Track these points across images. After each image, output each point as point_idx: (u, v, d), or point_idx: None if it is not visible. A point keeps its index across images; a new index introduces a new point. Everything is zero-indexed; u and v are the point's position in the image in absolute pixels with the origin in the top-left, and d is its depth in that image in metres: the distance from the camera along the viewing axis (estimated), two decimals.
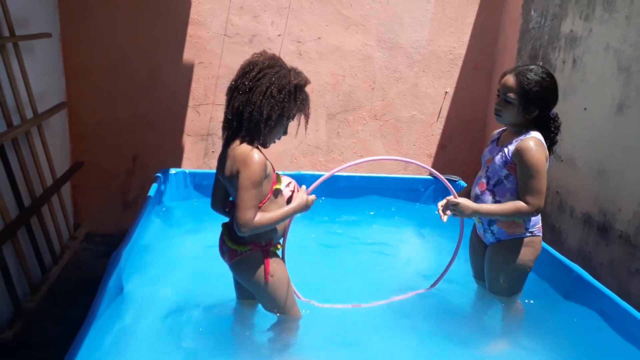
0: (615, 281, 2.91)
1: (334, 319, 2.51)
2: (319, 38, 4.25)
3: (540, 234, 2.55)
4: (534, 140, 2.36)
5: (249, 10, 4.13)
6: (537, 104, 2.37)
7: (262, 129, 2.06)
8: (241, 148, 2.05)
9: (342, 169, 2.27)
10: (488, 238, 2.58)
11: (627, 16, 2.90)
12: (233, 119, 2.07)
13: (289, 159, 4.43)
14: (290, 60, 2.32)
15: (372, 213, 4.04)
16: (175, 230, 3.56)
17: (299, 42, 4.24)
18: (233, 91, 2.08)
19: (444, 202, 2.42)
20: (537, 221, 2.52)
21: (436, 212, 2.44)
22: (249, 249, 2.17)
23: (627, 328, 2.29)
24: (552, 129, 2.45)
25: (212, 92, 4.22)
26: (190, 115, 4.25)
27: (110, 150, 4.18)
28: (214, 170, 2.27)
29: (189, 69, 4.16)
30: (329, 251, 3.46)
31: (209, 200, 2.34)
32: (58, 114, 3.71)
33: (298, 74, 2.11)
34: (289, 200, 2.23)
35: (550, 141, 2.46)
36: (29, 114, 3.21)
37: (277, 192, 2.17)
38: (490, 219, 2.51)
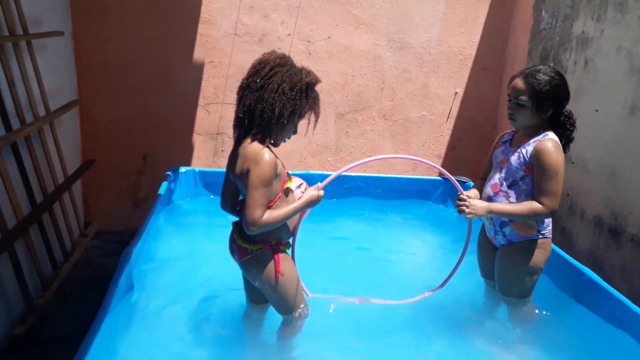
0: (627, 284, 2.88)
1: (343, 318, 2.51)
2: (329, 37, 4.25)
3: (551, 236, 2.54)
4: (552, 141, 2.35)
5: (259, 10, 4.14)
6: (550, 103, 2.36)
7: (274, 127, 2.07)
8: (252, 146, 2.06)
9: (356, 166, 2.28)
10: (499, 240, 2.57)
11: None
12: (244, 117, 2.08)
13: (297, 159, 4.44)
14: (299, 60, 2.33)
15: (380, 214, 4.03)
16: (185, 229, 3.58)
17: (308, 41, 4.24)
18: (244, 89, 2.09)
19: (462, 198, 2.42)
20: (548, 223, 2.51)
21: (453, 209, 2.44)
22: (259, 248, 2.18)
23: (638, 331, 2.28)
24: (568, 126, 2.43)
25: (222, 91, 4.24)
26: (200, 114, 4.27)
27: (121, 149, 4.21)
28: (224, 169, 2.27)
29: (199, 68, 4.18)
30: (337, 251, 3.46)
31: (218, 199, 2.34)
32: (69, 112, 3.74)
33: (309, 72, 2.12)
34: None
35: (567, 139, 2.45)
36: (41, 112, 3.24)
37: (288, 191, 2.18)
38: (502, 221, 2.50)
